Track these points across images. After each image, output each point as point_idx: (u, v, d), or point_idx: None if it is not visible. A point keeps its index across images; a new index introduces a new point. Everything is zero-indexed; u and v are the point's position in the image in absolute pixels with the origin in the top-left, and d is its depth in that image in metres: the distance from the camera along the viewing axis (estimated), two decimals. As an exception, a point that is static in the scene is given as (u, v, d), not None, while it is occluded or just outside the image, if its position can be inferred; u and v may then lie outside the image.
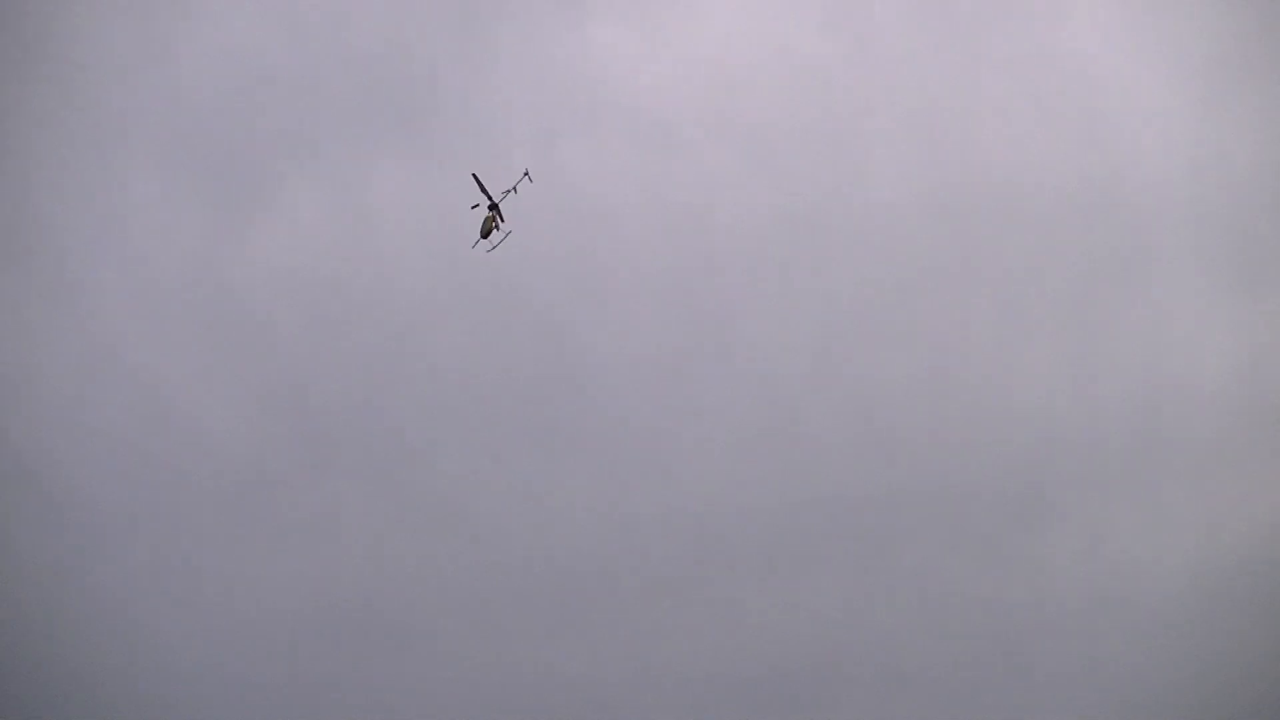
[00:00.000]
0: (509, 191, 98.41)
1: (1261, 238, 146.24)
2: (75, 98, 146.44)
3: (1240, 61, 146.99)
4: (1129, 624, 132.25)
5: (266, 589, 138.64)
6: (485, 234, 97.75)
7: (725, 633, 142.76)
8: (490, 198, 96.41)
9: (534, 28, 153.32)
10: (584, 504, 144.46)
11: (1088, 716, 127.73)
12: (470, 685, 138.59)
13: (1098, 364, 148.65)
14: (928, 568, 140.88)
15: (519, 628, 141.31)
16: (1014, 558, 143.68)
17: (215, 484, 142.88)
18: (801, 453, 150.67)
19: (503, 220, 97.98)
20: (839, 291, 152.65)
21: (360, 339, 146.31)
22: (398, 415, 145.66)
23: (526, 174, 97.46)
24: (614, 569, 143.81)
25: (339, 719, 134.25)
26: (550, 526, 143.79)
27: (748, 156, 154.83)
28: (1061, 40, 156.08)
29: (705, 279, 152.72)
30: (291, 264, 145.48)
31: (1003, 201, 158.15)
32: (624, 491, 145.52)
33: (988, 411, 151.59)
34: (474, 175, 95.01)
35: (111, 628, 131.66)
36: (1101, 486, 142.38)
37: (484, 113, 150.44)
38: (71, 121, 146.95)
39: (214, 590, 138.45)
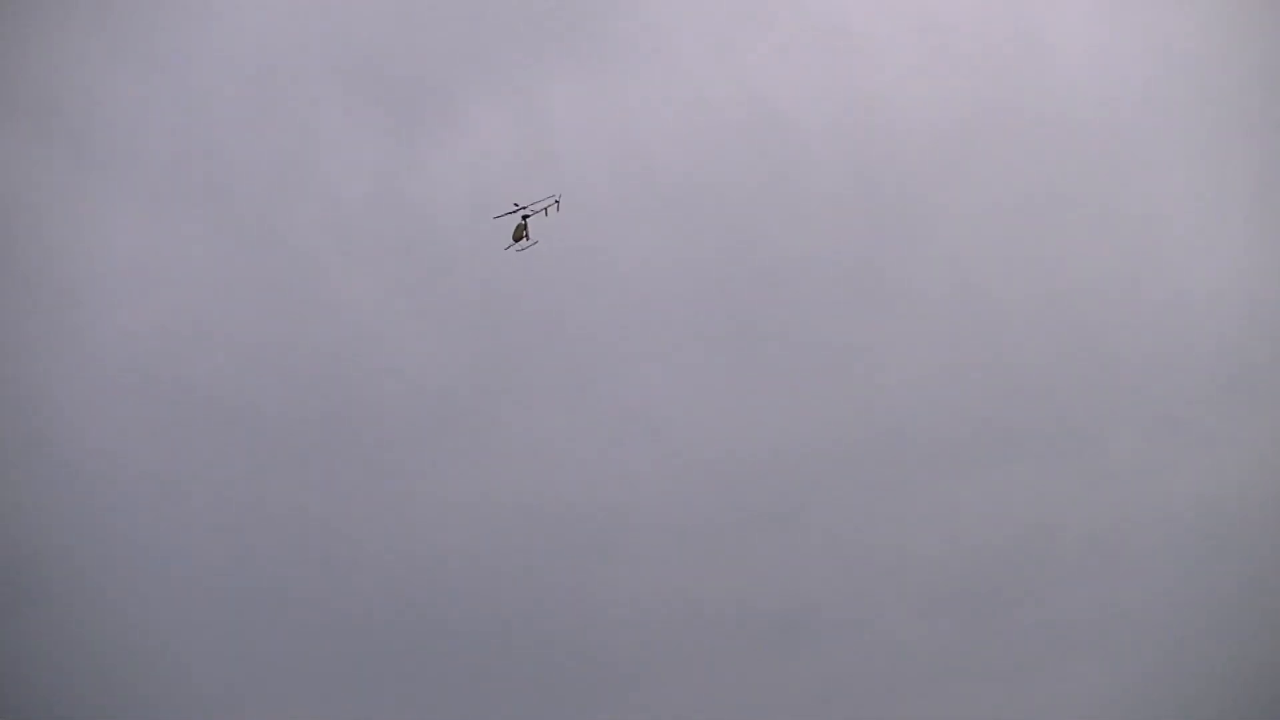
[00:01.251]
0: (540, 211, 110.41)
1: None
2: (250, 35, 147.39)
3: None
4: None
5: (475, 508, 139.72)
6: (515, 239, 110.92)
7: (938, 531, 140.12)
8: (524, 212, 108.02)
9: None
10: (778, 412, 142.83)
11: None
12: (672, 589, 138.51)
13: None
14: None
15: (721, 533, 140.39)
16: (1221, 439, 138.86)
17: (410, 407, 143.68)
18: (1001, 353, 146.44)
19: (528, 235, 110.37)
20: (1032, 185, 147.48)
21: (546, 253, 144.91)
22: (589, 326, 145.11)
23: (556, 201, 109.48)
24: (814, 477, 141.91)
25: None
26: (745, 435, 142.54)
27: (931, 53, 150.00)
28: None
29: (891, 180, 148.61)
30: (474, 183, 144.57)
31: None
32: (816, 400, 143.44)
33: (1185, 296, 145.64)
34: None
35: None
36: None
37: (659, 20, 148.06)
38: (249, 57, 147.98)
39: (426, 508, 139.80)
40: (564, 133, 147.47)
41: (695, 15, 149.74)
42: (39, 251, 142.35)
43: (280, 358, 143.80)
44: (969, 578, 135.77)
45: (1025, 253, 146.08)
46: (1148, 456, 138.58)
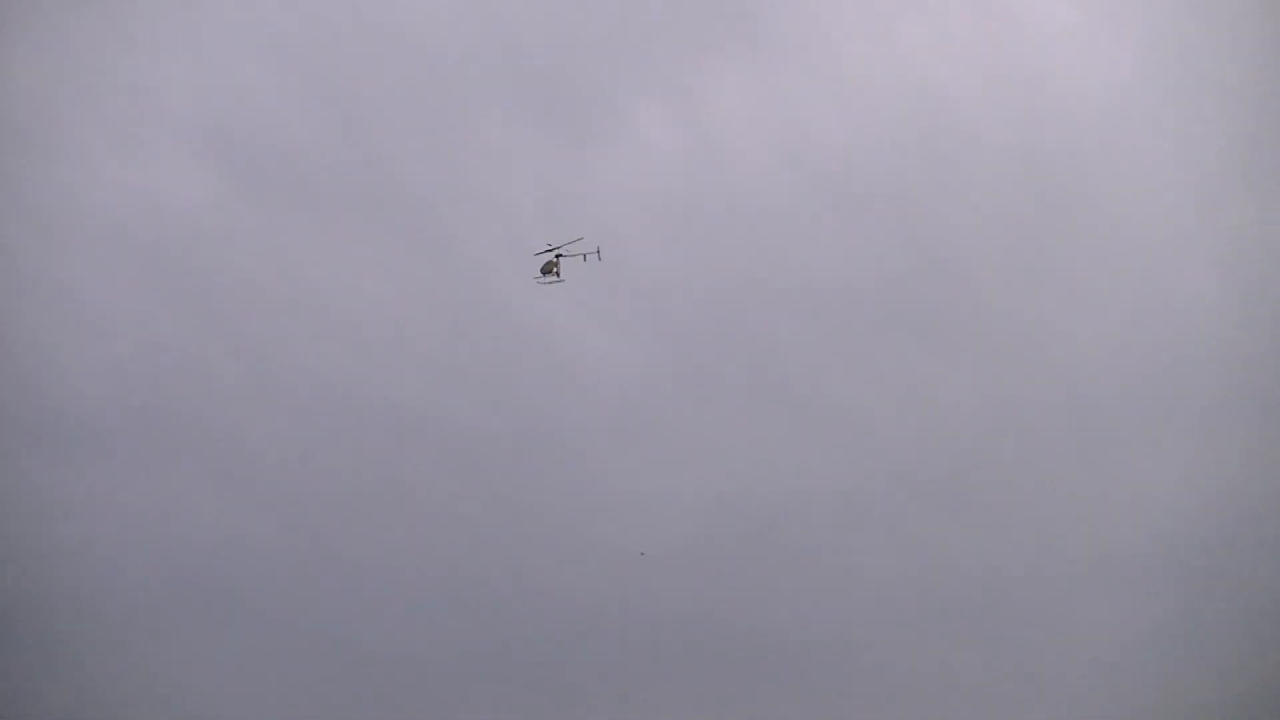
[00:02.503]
0: (577, 256, 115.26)
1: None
2: (414, 48, 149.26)
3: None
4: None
5: (661, 510, 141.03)
6: (544, 272, 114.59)
7: (1124, 509, 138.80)
8: (558, 252, 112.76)
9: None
10: (964, 395, 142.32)
11: None
12: (862, 579, 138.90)
13: None
14: None
15: (914, 530, 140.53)
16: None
17: (594, 405, 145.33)
18: (1179, 321, 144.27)
19: (558, 273, 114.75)
20: (1207, 150, 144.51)
21: (718, 252, 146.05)
22: (769, 323, 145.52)
23: (598, 251, 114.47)
24: (1000, 457, 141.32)
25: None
26: (933, 422, 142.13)
27: (1094, 16, 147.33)
28: None
29: (1058, 151, 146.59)
30: (643, 185, 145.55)
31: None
32: (1003, 380, 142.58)
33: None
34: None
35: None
36: None
37: (816, 10, 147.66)
38: (413, 70, 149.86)
39: (612, 508, 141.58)
40: (729, 130, 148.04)
41: (850, 2, 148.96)
42: (226, 272, 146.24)
43: (460, 367, 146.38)
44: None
45: (1202, 227, 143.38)
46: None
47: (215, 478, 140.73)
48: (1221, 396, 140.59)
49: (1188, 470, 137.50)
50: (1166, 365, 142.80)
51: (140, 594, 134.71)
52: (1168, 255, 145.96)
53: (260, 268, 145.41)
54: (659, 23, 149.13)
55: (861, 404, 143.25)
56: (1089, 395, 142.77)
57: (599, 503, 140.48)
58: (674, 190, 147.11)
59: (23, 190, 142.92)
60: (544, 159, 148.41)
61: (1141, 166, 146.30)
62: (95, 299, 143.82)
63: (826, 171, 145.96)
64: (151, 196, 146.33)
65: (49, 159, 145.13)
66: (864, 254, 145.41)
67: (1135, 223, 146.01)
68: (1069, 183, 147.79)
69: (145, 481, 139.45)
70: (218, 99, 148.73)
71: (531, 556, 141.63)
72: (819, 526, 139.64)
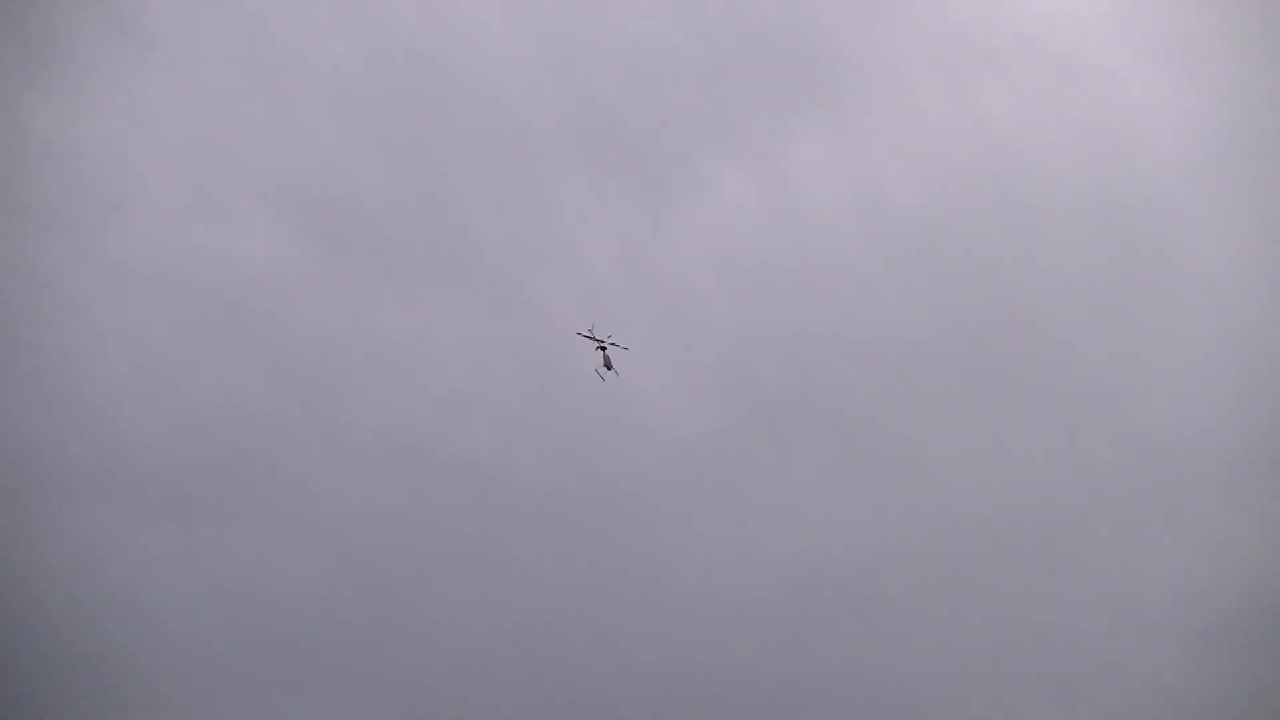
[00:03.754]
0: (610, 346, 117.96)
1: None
2: (494, 107, 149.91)
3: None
4: None
5: (734, 565, 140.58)
6: (607, 366, 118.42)
7: (1203, 565, 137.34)
8: (601, 344, 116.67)
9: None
10: (1044, 449, 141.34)
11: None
12: (946, 646, 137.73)
13: None
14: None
15: (991, 585, 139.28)
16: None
17: (669, 463, 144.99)
18: (1261, 378, 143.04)
19: (611, 367, 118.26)
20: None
21: (794, 310, 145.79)
22: (845, 379, 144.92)
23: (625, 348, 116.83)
24: (1081, 513, 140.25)
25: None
26: (1010, 477, 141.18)
27: (1175, 74, 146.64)
28: None
29: (1139, 208, 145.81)
30: (721, 246, 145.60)
31: None
32: (1081, 435, 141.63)
33: None
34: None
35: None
36: None
37: (892, 71, 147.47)
38: (494, 129, 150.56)
39: (686, 568, 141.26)
40: (806, 189, 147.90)
41: (926, 61, 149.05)
42: (301, 328, 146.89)
43: (533, 422, 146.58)
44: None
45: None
46: None
47: (289, 532, 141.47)
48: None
49: (1266, 527, 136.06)
50: (1246, 422, 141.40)
51: (212, 648, 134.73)
52: (1248, 313, 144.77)
53: (335, 323, 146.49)
54: (739, 82, 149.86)
55: (937, 458, 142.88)
56: (1167, 449, 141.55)
57: (672, 557, 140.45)
58: (750, 248, 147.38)
59: (98, 246, 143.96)
60: (620, 216, 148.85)
61: (1221, 224, 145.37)
62: (169, 354, 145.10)
63: (904, 229, 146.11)
64: (226, 252, 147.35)
65: (123, 214, 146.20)
66: (941, 310, 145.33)
67: (1215, 280, 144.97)
68: (1148, 240, 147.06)
69: (220, 536, 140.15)
70: (292, 154, 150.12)
71: (603, 610, 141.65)
72: (893, 581, 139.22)
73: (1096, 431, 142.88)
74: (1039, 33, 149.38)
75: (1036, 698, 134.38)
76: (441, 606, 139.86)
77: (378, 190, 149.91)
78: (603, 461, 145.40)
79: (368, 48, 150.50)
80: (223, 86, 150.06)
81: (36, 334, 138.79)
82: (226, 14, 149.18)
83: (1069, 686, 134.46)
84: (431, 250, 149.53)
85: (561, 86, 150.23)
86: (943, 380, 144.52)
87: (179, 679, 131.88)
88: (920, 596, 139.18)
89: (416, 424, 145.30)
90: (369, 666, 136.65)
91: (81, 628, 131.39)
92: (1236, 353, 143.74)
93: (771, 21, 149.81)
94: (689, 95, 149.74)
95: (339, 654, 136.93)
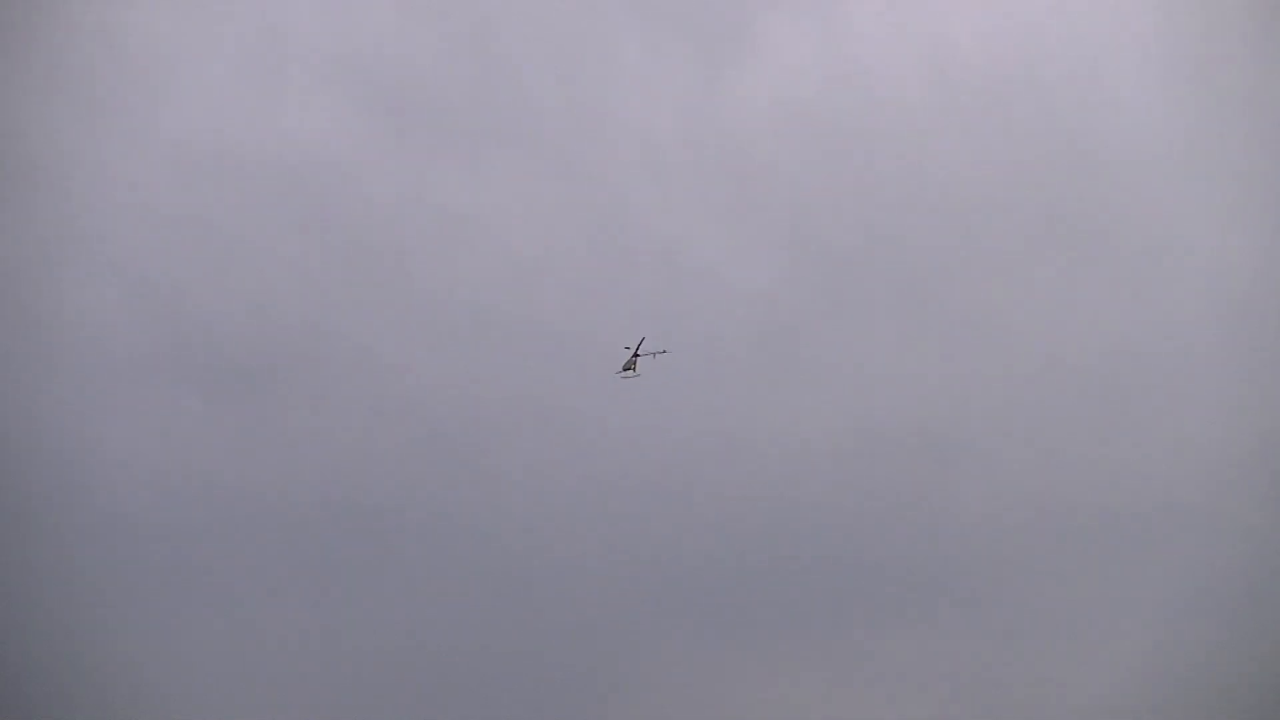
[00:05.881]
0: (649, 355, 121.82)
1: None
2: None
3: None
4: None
5: (810, 419, 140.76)
6: (625, 368, 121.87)
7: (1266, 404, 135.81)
8: (635, 354, 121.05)
9: None
10: (1112, 296, 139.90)
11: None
12: (1014, 494, 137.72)
13: None
14: None
15: (1060, 431, 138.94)
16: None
17: (737, 320, 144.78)
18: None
19: (635, 368, 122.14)
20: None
21: (860, 163, 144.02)
22: (908, 235, 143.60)
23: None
24: (1149, 359, 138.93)
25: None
26: (1086, 335, 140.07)
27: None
28: None
29: (1216, 47, 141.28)
30: (780, 101, 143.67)
31: None
32: (1158, 287, 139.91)
33: None
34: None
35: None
36: None
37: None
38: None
39: (753, 429, 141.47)
40: (867, 42, 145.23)
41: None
42: (362, 210, 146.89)
43: (602, 290, 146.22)
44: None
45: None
46: None
47: (363, 404, 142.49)
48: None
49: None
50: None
51: (293, 521, 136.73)
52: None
53: (396, 194, 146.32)
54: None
55: (1005, 307, 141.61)
56: (1238, 294, 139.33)
57: (742, 413, 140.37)
58: (811, 103, 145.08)
59: (156, 128, 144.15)
60: (678, 74, 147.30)
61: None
62: (233, 234, 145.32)
63: (967, 78, 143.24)
64: (284, 128, 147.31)
65: (180, 96, 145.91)
66: (1006, 159, 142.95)
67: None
68: (1226, 81, 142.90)
69: (294, 413, 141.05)
70: (347, 25, 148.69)
71: (676, 467, 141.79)
72: (963, 430, 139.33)
73: (1166, 277, 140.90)
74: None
75: (1108, 539, 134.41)
76: (517, 470, 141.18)
77: (434, 58, 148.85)
78: (670, 322, 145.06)
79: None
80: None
81: (99, 221, 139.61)
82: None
83: (1138, 530, 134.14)
84: (490, 117, 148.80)
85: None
86: (1009, 230, 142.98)
87: (259, 551, 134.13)
88: (990, 445, 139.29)
89: (484, 290, 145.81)
90: (450, 533, 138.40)
91: (160, 507, 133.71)
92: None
93: None
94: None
95: (414, 527, 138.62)
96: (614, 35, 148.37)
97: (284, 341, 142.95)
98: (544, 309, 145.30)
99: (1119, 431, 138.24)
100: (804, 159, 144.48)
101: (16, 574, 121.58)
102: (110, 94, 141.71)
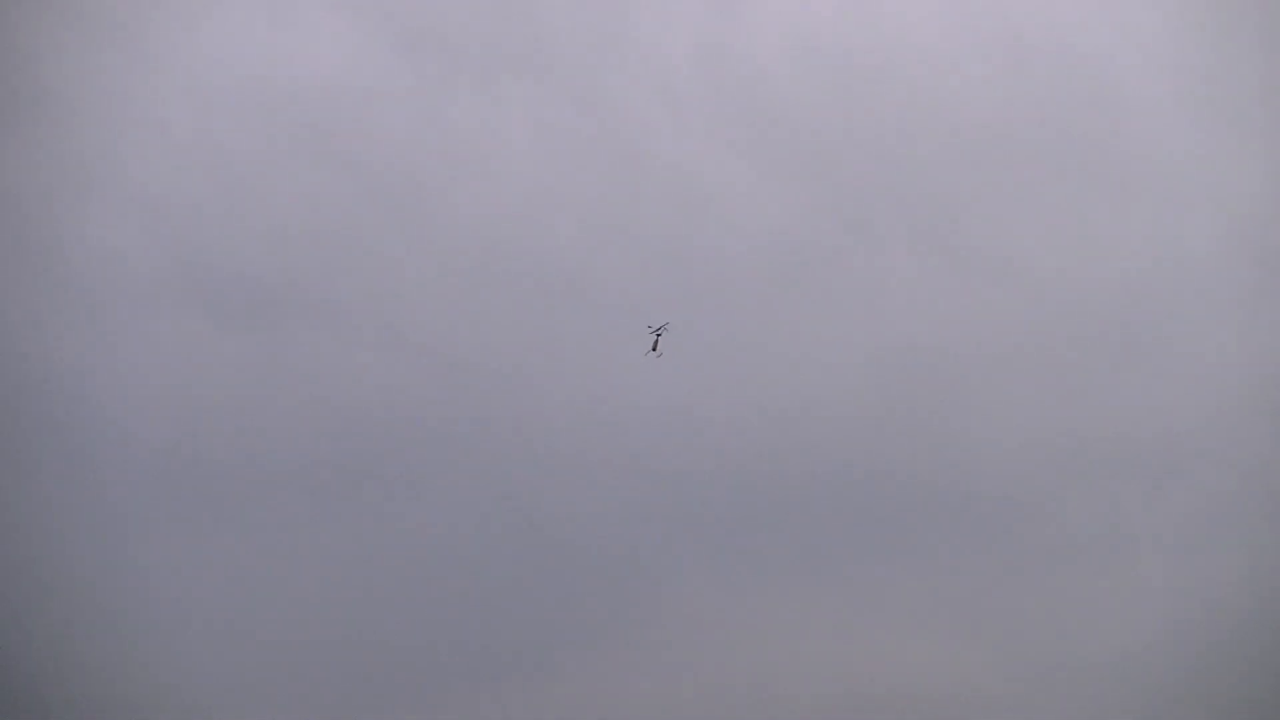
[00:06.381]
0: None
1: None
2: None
3: None
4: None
5: (824, 349, 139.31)
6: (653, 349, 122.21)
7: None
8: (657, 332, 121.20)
9: None
10: (1131, 231, 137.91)
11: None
12: (1032, 430, 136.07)
13: None
14: None
15: (1077, 368, 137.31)
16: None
17: (753, 252, 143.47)
18: None
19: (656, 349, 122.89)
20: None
21: (874, 93, 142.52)
22: (925, 168, 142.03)
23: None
24: (1169, 296, 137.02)
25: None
26: (1100, 269, 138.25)
27: None
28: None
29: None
30: (797, 27, 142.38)
31: None
32: (1173, 223, 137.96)
33: None
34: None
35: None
36: None
37: None
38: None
39: (773, 359, 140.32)
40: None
41: None
42: (376, 139, 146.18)
43: (618, 220, 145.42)
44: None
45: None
46: None
47: (376, 334, 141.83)
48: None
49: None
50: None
51: (302, 450, 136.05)
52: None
53: (411, 123, 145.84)
54: None
55: (1022, 243, 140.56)
56: (1259, 226, 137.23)
57: (756, 347, 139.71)
58: (827, 34, 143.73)
59: (171, 59, 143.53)
60: (695, 4, 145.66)
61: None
62: (248, 163, 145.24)
63: (983, 10, 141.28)
64: (299, 58, 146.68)
65: (195, 26, 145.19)
66: (1024, 92, 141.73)
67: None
68: (1249, 10, 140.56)
69: (306, 341, 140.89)
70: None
71: (687, 398, 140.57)
72: (980, 366, 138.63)
73: (1184, 211, 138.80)
74: None
75: (1125, 483, 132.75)
76: (529, 400, 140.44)
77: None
78: (687, 253, 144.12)
79: None
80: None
81: (114, 148, 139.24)
82: None
83: (1158, 472, 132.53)
84: (505, 46, 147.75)
85: None
86: (1027, 165, 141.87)
87: (267, 474, 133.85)
88: (1007, 381, 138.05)
89: (498, 221, 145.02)
90: (459, 467, 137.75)
91: (170, 433, 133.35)
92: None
93: None
94: None
95: (427, 456, 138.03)
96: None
97: (296, 269, 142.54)
98: (558, 239, 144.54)
99: (1140, 374, 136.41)
100: (821, 91, 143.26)
101: (27, 488, 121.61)
102: (126, 21, 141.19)
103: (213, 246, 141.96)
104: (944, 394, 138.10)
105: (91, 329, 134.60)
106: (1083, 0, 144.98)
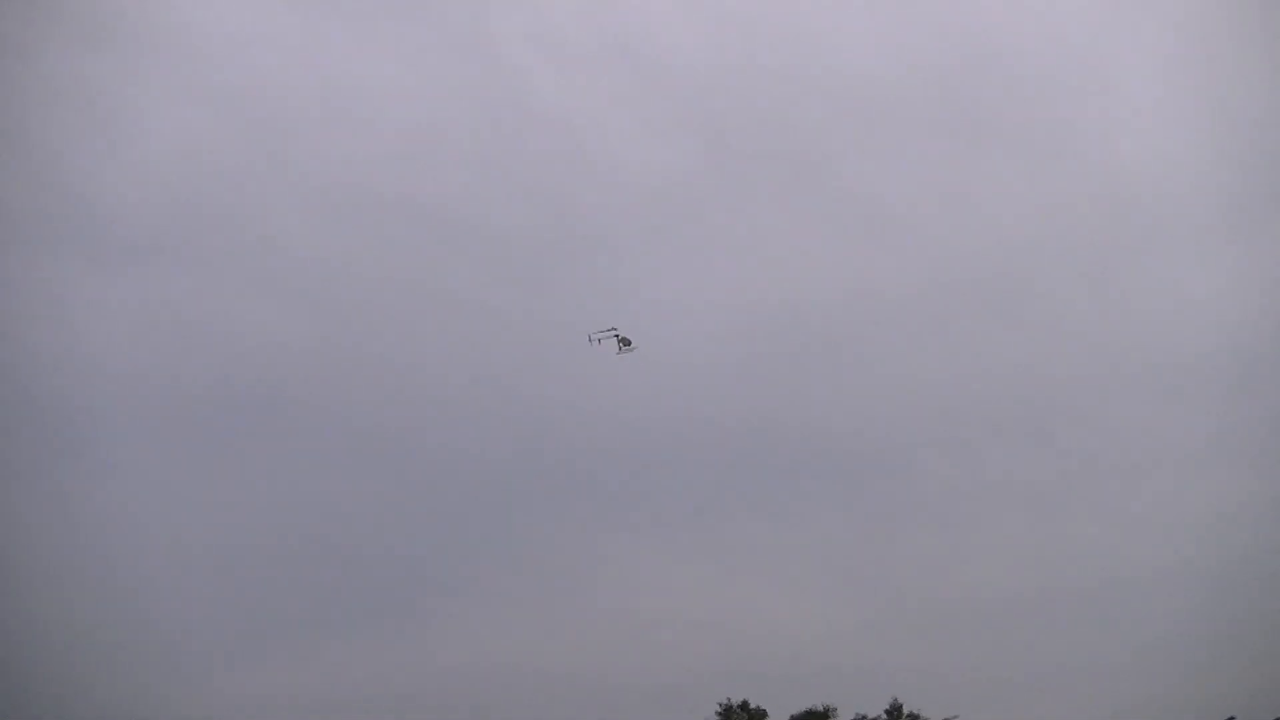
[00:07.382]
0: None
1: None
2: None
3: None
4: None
5: (697, 310, 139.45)
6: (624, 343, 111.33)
7: (1170, 315, 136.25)
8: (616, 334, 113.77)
9: None
10: (1010, 193, 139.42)
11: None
12: (903, 398, 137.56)
13: None
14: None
15: (958, 329, 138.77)
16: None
17: (634, 204, 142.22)
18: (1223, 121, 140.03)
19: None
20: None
21: (758, 49, 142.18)
22: (808, 123, 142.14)
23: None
24: (1048, 256, 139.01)
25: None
26: (978, 223, 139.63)
27: None
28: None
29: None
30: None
31: None
32: (1049, 181, 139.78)
33: None
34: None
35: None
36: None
37: None
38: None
39: (646, 309, 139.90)
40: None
41: None
42: (262, 74, 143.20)
43: (493, 163, 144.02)
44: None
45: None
46: None
47: (251, 277, 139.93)
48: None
49: (1233, 276, 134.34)
50: (1215, 159, 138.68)
51: (180, 396, 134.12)
52: (1222, 59, 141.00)
53: (287, 64, 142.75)
54: None
55: (903, 202, 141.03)
56: (1134, 195, 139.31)
57: (637, 301, 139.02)
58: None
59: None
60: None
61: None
62: (119, 100, 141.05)
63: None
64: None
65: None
66: (909, 48, 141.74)
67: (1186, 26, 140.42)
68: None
69: (182, 284, 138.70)
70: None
71: (569, 355, 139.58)
72: (859, 326, 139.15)
73: (1064, 173, 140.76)
74: None
75: (1007, 442, 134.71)
76: (407, 351, 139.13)
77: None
78: (559, 198, 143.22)
79: None
80: None
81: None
82: None
83: (1038, 432, 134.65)
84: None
85: None
86: (910, 122, 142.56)
87: (146, 429, 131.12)
88: (886, 341, 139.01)
89: (375, 165, 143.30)
90: (335, 412, 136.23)
91: (44, 378, 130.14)
92: (1209, 90, 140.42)
93: None
94: None
95: (305, 399, 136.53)
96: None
97: (167, 213, 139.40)
98: (436, 185, 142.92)
99: (1021, 335, 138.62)
100: (705, 41, 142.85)
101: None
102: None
103: (84, 188, 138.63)
104: (822, 350, 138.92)
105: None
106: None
